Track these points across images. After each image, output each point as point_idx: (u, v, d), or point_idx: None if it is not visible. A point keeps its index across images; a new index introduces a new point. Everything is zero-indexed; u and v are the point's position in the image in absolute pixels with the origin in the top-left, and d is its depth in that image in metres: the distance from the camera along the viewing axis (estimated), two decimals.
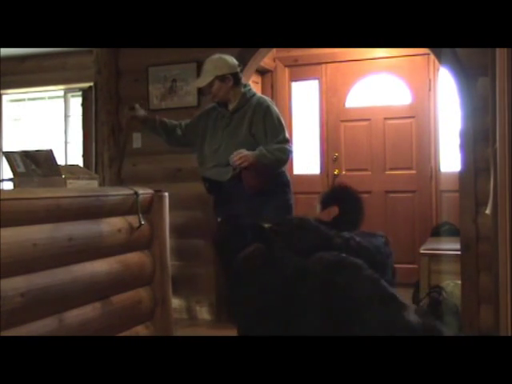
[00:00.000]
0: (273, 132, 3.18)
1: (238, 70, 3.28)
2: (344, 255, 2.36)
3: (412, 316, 2.08)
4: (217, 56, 3.24)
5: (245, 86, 3.31)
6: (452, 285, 3.68)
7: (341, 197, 3.12)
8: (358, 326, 2.06)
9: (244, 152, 3.10)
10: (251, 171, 3.14)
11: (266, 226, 2.72)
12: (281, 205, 3.18)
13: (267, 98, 3.36)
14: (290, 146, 3.23)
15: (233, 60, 3.27)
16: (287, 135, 3.22)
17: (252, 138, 3.18)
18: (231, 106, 3.27)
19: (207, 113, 3.42)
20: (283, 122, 3.26)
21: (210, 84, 3.23)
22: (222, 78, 3.20)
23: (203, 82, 3.26)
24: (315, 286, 2.21)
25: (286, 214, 3.13)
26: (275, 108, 3.27)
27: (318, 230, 2.74)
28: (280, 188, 3.26)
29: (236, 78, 3.24)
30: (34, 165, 2.69)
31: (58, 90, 6.06)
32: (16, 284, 1.92)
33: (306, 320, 2.18)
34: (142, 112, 3.42)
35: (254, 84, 5.16)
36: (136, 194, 2.62)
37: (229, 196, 3.14)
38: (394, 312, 2.09)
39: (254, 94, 3.31)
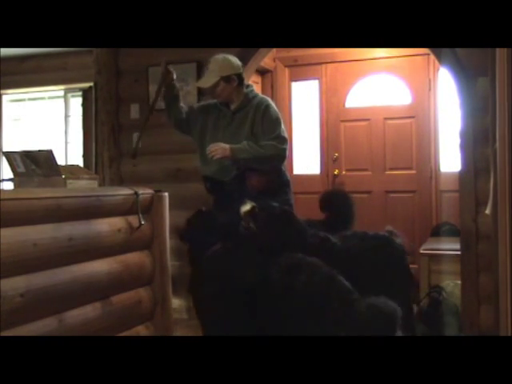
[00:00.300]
0: (269, 129, 3.17)
1: (242, 70, 3.28)
2: (300, 255, 2.39)
3: (365, 308, 2.11)
4: (221, 56, 3.23)
5: (247, 86, 3.31)
6: (452, 285, 3.68)
7: (333, 201, 3.20)
8: (319, 323, 2.09)
9: (219, 144, 3.11)
10: (254, 171, 3.14)
11: (250, 205, 2.73)
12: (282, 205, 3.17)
13: (268, 99, 3.36)
14: (283, 144, 3.17)
15: (237, 60, 3.27)
16: (283, 133, 3.18)
17: (254, 137, 3.18)
18: (233, 106, 3.26)
19: (207, 109, 3.39)
20: (281, 120, 3.24)
21: (215, 84, 3.22)
22: (227, 79, 3.19)
23: (208, 82, 3.24)
24: (275, 291, 2.26)
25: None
26: (274, 107, 3.27)
27: (297, 225, 2.76)
28: (281, 188, 3.25)
29: (240, 79, 3.24)
30: (34, 165, 2.69)
31: (58, 90, 6.06)
32: (16, 284, 1.92)
33: (269, 323, 2.21)
34: (174, 74, 3.34)
35: (253, 84, 5.16)
36: (136, 194, 2.62)
37: (230, 196, 3.14)
38: (351, 305, 2.13)
39: (256, 95, 3.31)
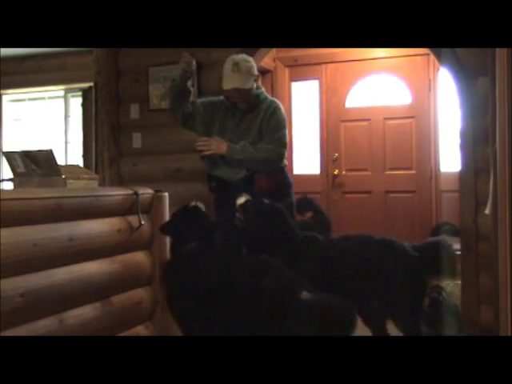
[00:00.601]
0: (271, 131, 3.16)
1: None
2: (264, 257, 2.44)
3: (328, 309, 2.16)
4: (245, 55, 3.20)
5: (257, 87, 3.28)
6: (452, 285, 3.68)
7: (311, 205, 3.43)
8: (283, 323, 2.14)
9: (215, 139, 3.12)
10: (264, 173, 3.13)
11: (244, 198, 2.80)
12: (286, 207, 3.17)
13: (278, 102, 3.34)
14: (280, 148, 3.15)
15: None
16: (283, 138, 3.16)
17: (261, 140, 3.17)
18: (243, 106, 3.22)
19: (212, 106, 3.32)
20: (285, 124, 3.22)
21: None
22: (255, 78, 3.19)
23: (248, 83, 3.14)
24: (238, 292, 2.29)
25: (289, 216, 3.15)
26: (282, 111, 3.24)
27: (285, 224, 2.80)
28: (284, 190, 3.25)
29: None
30: (34, 165, 2.69)
31: (58, 90, 6.06)
32: (16, 284, 1.92)
33: (233, 322, 2.26)
34: (194, 66, 3.30)
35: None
36: (136, 194, 2.62)
37: (235, 196, 3.11)
38: (314, 306, 2.17)
39: (267, 97, 3.28)
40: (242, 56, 3.19)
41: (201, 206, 2.84)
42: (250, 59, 3.19)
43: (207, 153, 3.12)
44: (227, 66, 3.15)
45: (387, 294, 2.70)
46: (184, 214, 2.72)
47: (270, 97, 3.36)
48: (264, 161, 3.13)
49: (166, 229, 2.70)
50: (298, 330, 2.06)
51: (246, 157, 3.10)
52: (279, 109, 3.22)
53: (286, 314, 2.15)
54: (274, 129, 3.16)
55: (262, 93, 3.28)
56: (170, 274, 2.60)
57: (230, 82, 3.14)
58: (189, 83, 3.27)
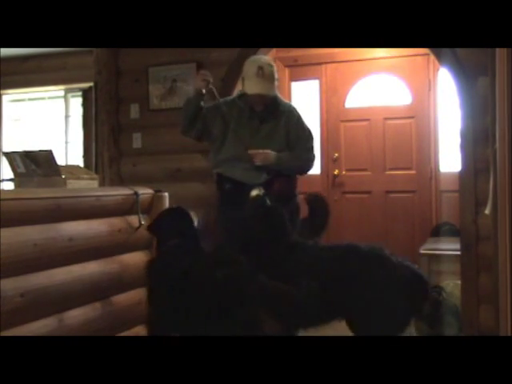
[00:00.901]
0: (302, 140, 3.20)
1: None
2: (229, 252, 2.47)
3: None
4: (268, 58, 3.17)
5: None
6: (452, 285, 3.68)
7: (311, 203, 3.40)
8: (239, 316, 2.23)
9: (266, 152, 3.09)
10: (285, 176, 3.15)
11: (256, 192, 2.85)
12: (295, 209, 3.18)
13: (295, 106, 3.33)
14: (314, 156, 3.25)
15: None
16: (313, 144, 3.25)
17: (288, 147, 3.17)
18: (259, 109, 3.16)
19: (223, 108, 3.22)
20: (311, 130, 3.27)
21: None
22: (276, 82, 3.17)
23: (272, 89, 3.11)
24: (198, 282, 2.36)
25: (297, 218, 3.16)
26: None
27: (279, 228, 2.79)
28: (292, 193, 3.27)
29: None
30: (34, 165, 2.69)
31: (58, 90, 6.07)
32: (16, 284, 1.93)
33: (196, 315, 2.33)
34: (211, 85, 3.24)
35: None
36: (136, 194, 2.62)
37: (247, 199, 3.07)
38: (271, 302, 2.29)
39: (282, 100, 3.26)
40: (266, 59, 3.15)
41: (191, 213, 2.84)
42: (273, 63, 3.16)
43: (259, 163, 3.09)
44: (251, 70, 3.07)
45: (366, 311, 2.52)
46: (168, 215, 2.73)
47: (284, 100, 3.33)
48: (300, 168, 3.25)
49: (150, 228, 2.73)
50: (246, 321, 2.16)
51: (289, 166, 3.15)
52: (301, 115, 3.24)
53: (234, 305, 2.25)
54: (304, 138, 3.22)
55: (277, 95, 3.24)
56: (149, 270, 2.64)
57: (254, 87, 3.07)
58: (202, 102, 3.21)
